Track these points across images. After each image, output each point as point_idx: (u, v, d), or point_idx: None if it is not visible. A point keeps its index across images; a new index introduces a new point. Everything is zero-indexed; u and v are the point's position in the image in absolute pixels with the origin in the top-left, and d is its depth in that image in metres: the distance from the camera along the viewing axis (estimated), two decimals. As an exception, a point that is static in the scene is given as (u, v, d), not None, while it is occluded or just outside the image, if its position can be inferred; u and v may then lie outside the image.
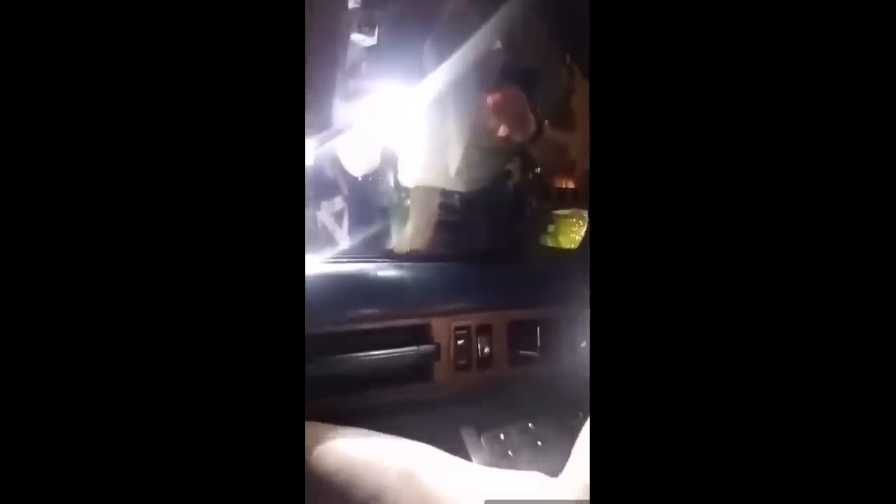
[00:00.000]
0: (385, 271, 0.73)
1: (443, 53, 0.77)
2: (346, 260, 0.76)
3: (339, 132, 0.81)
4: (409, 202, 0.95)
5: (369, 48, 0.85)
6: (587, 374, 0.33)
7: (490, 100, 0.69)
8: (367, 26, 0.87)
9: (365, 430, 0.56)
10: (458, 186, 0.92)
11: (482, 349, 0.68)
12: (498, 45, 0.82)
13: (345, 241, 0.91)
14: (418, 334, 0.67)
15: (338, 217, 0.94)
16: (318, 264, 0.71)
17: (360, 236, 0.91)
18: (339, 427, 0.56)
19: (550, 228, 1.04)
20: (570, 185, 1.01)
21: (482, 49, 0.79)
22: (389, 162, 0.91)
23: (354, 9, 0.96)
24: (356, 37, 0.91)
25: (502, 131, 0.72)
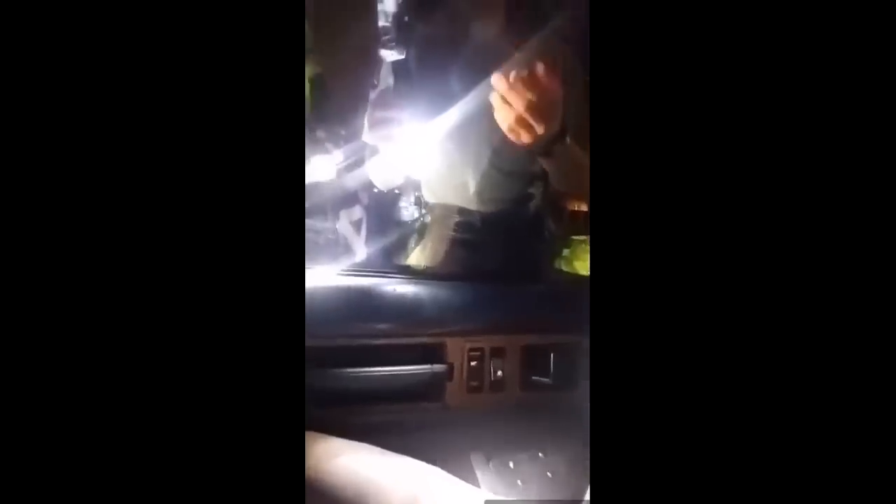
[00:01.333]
0: (400, 286, 0.73)
1: (471, 77, 0.79)
2: (361, 273, 0.76)
3: (366, 146, 0.82)
4: (428, 218, 0.96)
5: (399, 69, 0.87)
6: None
7: (502, 91, 0.63)
8: (396, 44, 0.89)
9: (375, 448, 0.55)
10: (477, 206, 0.92)
11: (495, 372, 0.68)
12: (525, 73, 0.83)
13: (361, 250, 0.92)
14: (432, 353, 0.66)
15: (356, 226, 0.95)
16: (332, 276, 0.72)
17: (376, 247, 0.91)
18: (349, 441, 0.55)
19: (565, 252, 1.04)
20: (587, 209, 1.00)
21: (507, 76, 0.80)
22: (412, 178, 0.92)
23: (385, 27, 0.98)
24: (385, 52, 0.93)
25: (516, 131, 0.68)
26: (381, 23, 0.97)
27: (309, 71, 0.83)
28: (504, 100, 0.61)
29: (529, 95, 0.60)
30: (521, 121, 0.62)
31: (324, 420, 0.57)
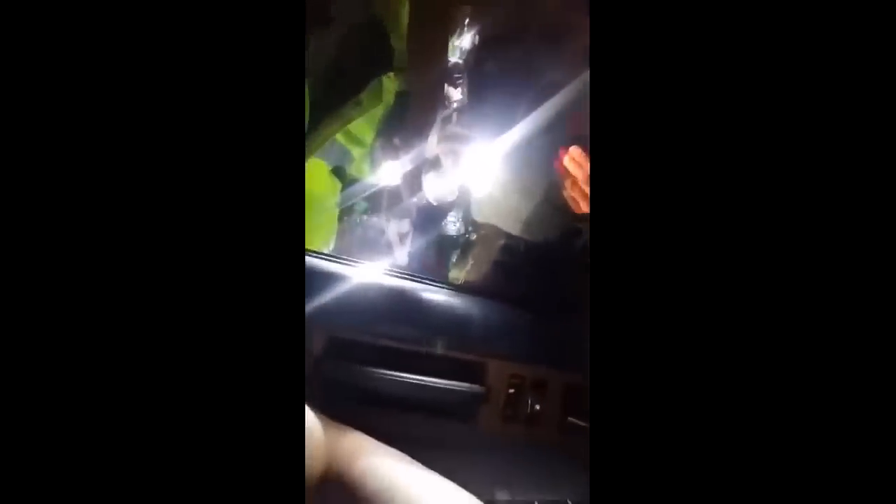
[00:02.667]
0: (444, 296, 0.71)
1: (539, 110, 0.80)
2: (409, 276, 0.74)
3: (426, 161, 0.83)
4: (474, 236, 0.95)
5: (473, 93, 0.89)
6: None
7: (564, 163, 0.70)
8: (461, 83, 0.93)
9: (406, 457, 0.51)
10: (524, 233, 0.91)
11: (533, 405, 0.64)
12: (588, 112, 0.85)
13: (403, 258, 0.91)
14: (471, 371, 0.63)
15: (402, 238, 0.94)
16: (377, 274, 0.70)
17: (419, 254, 0.90)
18: (382, 444, 0.52)
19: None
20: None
21: (574, 112, 0.81)
22: (465, 197, 0.92)
23: (455, 64, 1.02)
24: (461, 78, 0.95)
25: (570, 189, 0.72)
26: (456, 57, 1.01)
27: (397, 86, 0.88)
28: (568, 171, 0.67)
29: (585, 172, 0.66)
30: (581, 193, 0.67)
31: (355, 417, 0.53)
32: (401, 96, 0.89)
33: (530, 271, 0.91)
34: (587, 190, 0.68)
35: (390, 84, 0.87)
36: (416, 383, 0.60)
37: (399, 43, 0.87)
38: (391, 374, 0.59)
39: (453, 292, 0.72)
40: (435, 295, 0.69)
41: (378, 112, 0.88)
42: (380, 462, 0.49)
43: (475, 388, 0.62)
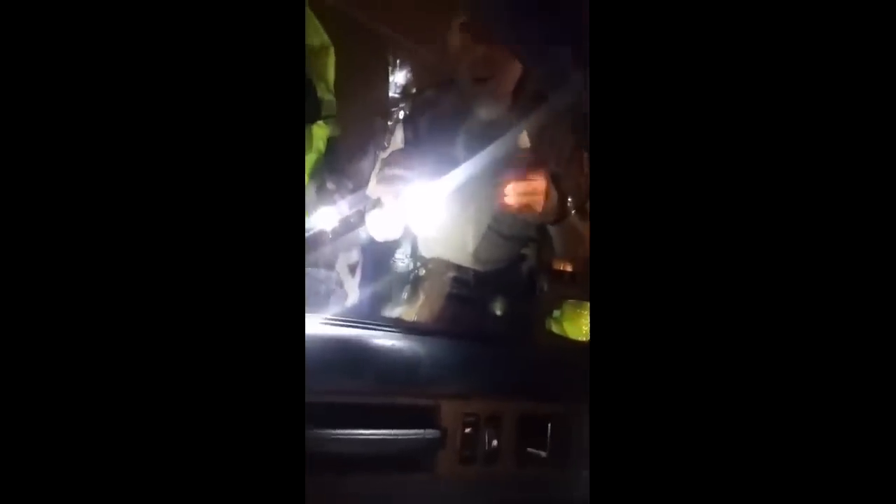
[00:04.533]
0: (393, 340, 0.70)
1: (473, 146, 0.83)
2: (352, 323, 0.73)
3: (368, 199, 0.83)
4: (423, 271, 0.95)
5: (409, 134, 0.91)
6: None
7: (513, 185, 0.73)
8: (407, 112, 0.95)
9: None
10: (473, 264, 0.92)
11: (490, 441, 0.63)
12: (528, 144, 0.88)
13: (354, 294, 0.90)
14: (424, 416, 0.62)
15: (352, 269, 0.93)
16: (320, 325, 0.68)
17: (369, 295, 0.89)
18: None
19: (556, 314, 1.04)
20: (579, 271, 1.02)
21: (512, 146, 0.85)
22: (411, 233, 0.93)
23: (394, 98, 1.04)
24: (396, 119, 0.97)
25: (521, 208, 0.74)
26: (392, 94, 1.03)
27: (327, 133, 0.89)
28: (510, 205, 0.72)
29: (529, 187, 0.71)
30: (525, 207, 0.72)
31: (308, 487, 0.51)
32: (332, 142, 0.90)
33: (481, 301, 0.92)
34: (531, 199, 0.71)
35: (320, 132, 0.87)
36: (369, 438, 0.58)
37: (326, 94, 0.88)
38: (340, 434, 0.57)
39: (400, 334, 0.71)
40: (382, 340, 0.68)
41: (310, 159, 0.88)
42: None
43: (430, 433, 0.61)
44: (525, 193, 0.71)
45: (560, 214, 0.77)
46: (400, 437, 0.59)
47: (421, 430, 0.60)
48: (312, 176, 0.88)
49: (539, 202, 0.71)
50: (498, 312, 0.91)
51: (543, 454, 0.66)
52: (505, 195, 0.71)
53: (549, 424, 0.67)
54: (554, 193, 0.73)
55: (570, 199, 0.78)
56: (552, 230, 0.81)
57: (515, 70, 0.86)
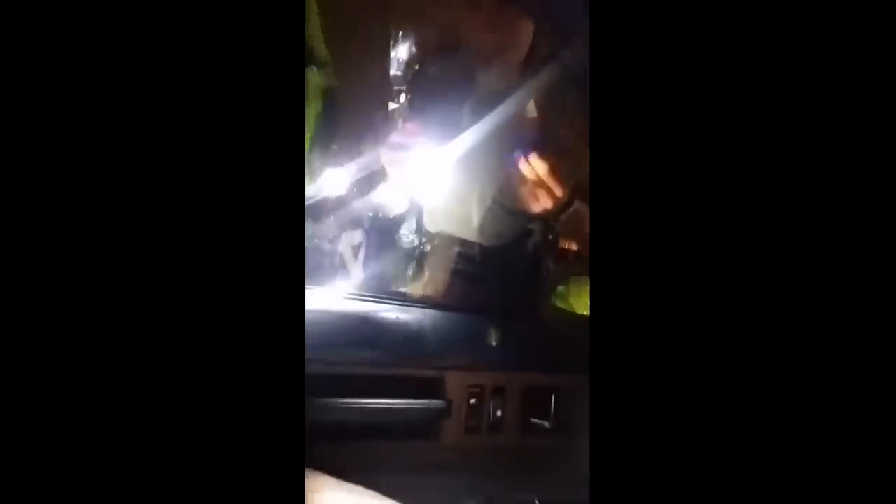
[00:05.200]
0: (400, 313, 0.70)
1: (480, 116, 0.81)
2: (359, 297, 0.73)
3: (373, 171, 0.82)
4: (428, 247, 0.94)
5: (414, 94, 0.88)
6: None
7: (521, 168, 0.72)
8: (401, 93, 0.93)
9: (365, 491, 0.51)
10: (478, 239, 0.92)
11: (494, 412, 0.65)
12: (534, 113, 0.86)
13: (358, 274, 0.90)
14: (430, 387, 0.63)
15: (355, 250, 0.93)
16: (330, 298, 0.69)
17: (374, 272, 0.89)
18: (336, 480, 0.51)
19: (560, 289, 1.04)
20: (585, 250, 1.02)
21: (518, 116, 0.83)
22: (416, 207, 0.92)
23: (394, 76, 1.02)
24: (400, 74, 0.95)
25: (528, 201, 0.75)
26: (394, 69, 1.01)
27: (322, 83, 0.86)
28: (525, 176, 0.71)
29: (540, 174, 0.71)
30: (532, 194, 0.72)
31: (311, 452, 0.52)
32: (329, 94, 0.87)
33: (486, 276, 0.92)
34: (539, 193, 0.71)
35: (314, 77, 0.85)
36: (376, 407, 0.60)
37: (317, 43, 0.85)
38: (349, 402, 0.59)
39: (407, 307, 0.72)
40: (388, 313, 0.69)
41: (310, 113, 0.85)
42: (336, 499, 0.48)
43: (435, 403, 0.62)
44: (531, 193, 0.71)
45: (564, 207, 0.77)
46: (407, 406, 0.61)
47: (427, 401, 0.62)
48: (315, 132, 0.85)
49: (546, 205, 0.72)
50: (502, 288, 0.91)
51: (547, 425, 0.67)
52: (511, 174, 0.70)
53: (553, 396, 0.68)
54: (560, 192, 0.72)
55: (575, 184, 0.77)
56: (557, 225, 0.81)
57: (527, 30, 0.83)
